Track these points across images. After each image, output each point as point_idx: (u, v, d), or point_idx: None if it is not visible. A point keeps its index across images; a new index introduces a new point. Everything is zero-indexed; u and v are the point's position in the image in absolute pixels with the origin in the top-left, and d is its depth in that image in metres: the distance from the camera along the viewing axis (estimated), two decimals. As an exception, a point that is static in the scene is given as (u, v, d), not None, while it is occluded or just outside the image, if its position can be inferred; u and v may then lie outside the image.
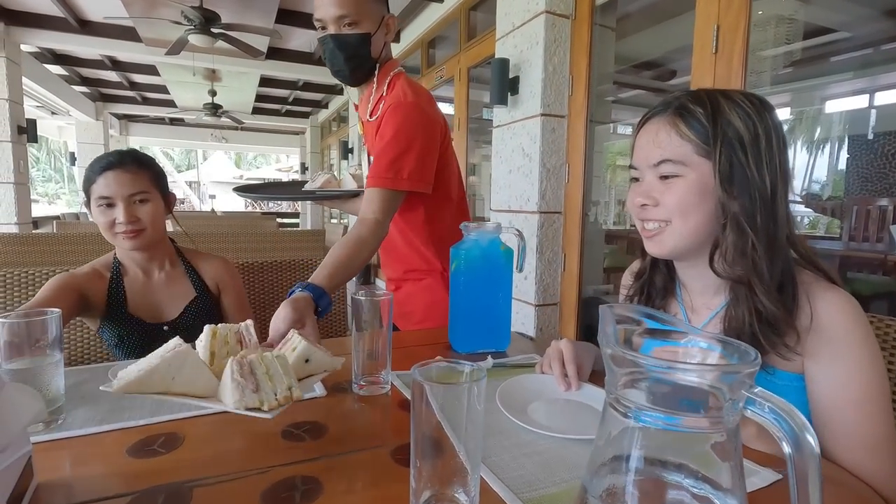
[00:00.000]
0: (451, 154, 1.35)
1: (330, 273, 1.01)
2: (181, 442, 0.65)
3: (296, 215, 10.56)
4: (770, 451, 0.61)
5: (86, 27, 5.03)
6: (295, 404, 0.63)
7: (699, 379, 0.34)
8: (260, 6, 4.34)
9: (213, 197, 20.93)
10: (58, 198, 18.91)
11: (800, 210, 3.79)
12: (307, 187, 1.46)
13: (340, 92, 7.86)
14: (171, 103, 8.82)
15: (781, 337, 0.67)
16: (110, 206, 1.11)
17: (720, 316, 0.74)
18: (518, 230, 1.10)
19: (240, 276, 1.38)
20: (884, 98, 3.75)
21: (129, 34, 5.09)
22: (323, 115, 9.52)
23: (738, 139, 0.67)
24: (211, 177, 22.10)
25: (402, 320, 1.39)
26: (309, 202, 7.89)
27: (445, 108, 4.70)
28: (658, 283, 0.85)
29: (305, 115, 9.90)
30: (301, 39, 5.42)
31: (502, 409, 0.71)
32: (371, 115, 1.28)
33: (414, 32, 4.83)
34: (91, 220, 1.15)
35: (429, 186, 1.23)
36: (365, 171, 1.33)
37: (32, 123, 5.08)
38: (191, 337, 0.71)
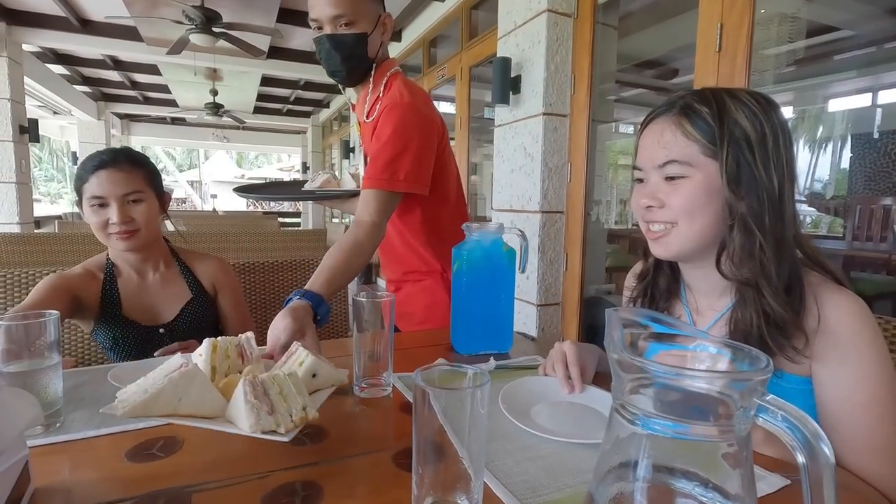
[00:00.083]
0: (449, 155, 1.33)
1: (327, 279, 0.99)
2: (180, 446, 0.64)
3: (297, 215, 10.56)
4: (778, 456, 0.60)
5: (87, 27, 5.03)
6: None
7: (708, 386, 0.33)
8: (261, 5, 4.34)
9: (214, 196, 20.96)
10: (60, 197, 18.98)
11: (803, 209, 3.77)
12: (307, 187, 1.45)
13: (341, 91, 7.85)
14: (172, 103, 8.82)
15: (789, 339, 0.66)
16: (103, 205, 1.09)
17: (726, 318, 0.73)
18: (521, 230, 1.09)
19: (236, 275, 1.36)
20: (887, 97, 3.73)
21: (130, 34, 5.09)
22: (324, 114, 9.52)
23: (745, 139, 0.66)
24: (212, 176, 22.13)
25: (403, 321, 1.39)
26: (310, 202, 7.88)
27: (447, 108, 4.70)
28: (662, 285, 0.84)
29: (307, 115, 9.90)
30: (302, 38, 5.41)
31: (505, 413, 0.70)
32: (367, 117, 1.27)
33: (415, 31, 4.82)
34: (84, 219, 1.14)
35: (425, 188, 1.21)
36: (361, 172, 1.32)
37: (34, 123, 5.08)
38: (187, 339, 0.70)
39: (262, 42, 4.99)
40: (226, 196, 20.22)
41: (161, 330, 1.16)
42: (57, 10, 4.69)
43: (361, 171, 1.34)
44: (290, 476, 0.57)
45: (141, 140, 12.02)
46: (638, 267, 0.89)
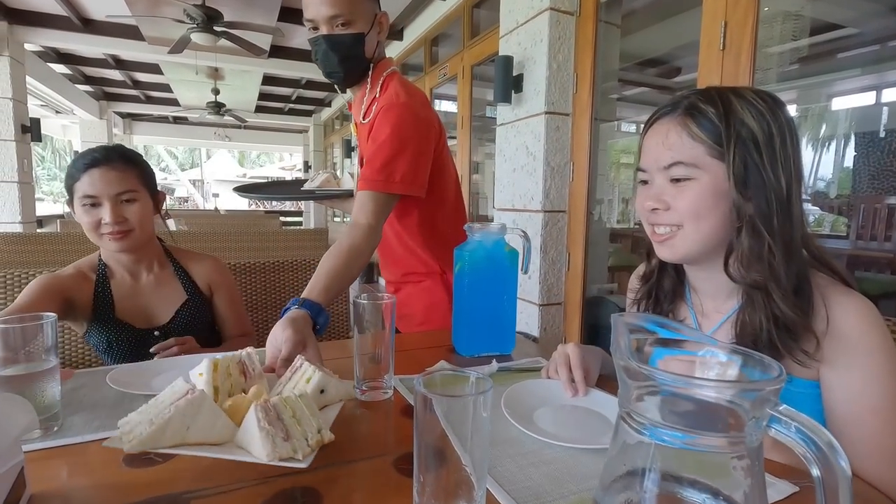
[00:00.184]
0: (447, 156, 1.32)
1: (325, 286, 0.97)
2: (179, 450, 0.63)
3: (299, 214, 10.56)
4: (786, 462, 0.59)
5: (89, 26, 5.03)
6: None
7: (718, 395, 0.32)
8: (262, 4, 4.33)
9: (216, 195, 20.98)
10: (63, 196, 18.99)
11: (807, 208, 3.74)
12: (306, 186, 1.44)
13: (340, 91, 7.84)
14: (174, 102, 8.82)
15: (798, 342, 0.65)
16: (95, 205, 1.06)
17: (731, 320, 0.72)
18: (523, 231, 1.08)
19: (232, 275, 1.33)
20: (892, 95, 3.70)
21: (132, 33, 5.09)
22: (326, 113, 9.51)
23: (752, 139, 0.65)
24: (214, 175, 22.15)
25: (403, 322, 1.38)
26: (311, 201, 7.89)
27: (448, 107, 4.69)
28: (666, 287, 0.83)
29: (308, 114, 9.90)
30: (304, 37, 5.34)
31: (508, 417, 0.69)
32: (364, 117, 1.25)
33: (417, 30, 4.81)
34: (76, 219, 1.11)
35: (422, 190, 1.19)
36: (357, 174, 1.31)
37: (36, 122, 5.08)
38: None
39: (264, 41, 4.98)
40: (228, 195, 20.22)
41: (156, 332, 1.14)
42: (59, 10, 4.69)
43: (356, 174, 1.33)
44: (288, 482, 0.56)
45: (143, 139, 12.03)
46: (641, 268, 0.88)
